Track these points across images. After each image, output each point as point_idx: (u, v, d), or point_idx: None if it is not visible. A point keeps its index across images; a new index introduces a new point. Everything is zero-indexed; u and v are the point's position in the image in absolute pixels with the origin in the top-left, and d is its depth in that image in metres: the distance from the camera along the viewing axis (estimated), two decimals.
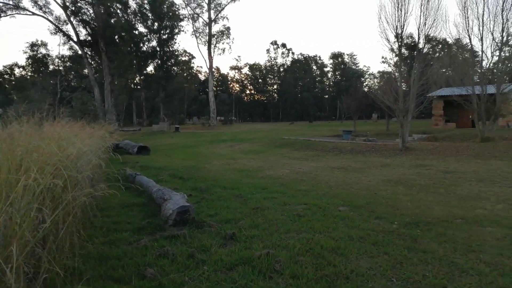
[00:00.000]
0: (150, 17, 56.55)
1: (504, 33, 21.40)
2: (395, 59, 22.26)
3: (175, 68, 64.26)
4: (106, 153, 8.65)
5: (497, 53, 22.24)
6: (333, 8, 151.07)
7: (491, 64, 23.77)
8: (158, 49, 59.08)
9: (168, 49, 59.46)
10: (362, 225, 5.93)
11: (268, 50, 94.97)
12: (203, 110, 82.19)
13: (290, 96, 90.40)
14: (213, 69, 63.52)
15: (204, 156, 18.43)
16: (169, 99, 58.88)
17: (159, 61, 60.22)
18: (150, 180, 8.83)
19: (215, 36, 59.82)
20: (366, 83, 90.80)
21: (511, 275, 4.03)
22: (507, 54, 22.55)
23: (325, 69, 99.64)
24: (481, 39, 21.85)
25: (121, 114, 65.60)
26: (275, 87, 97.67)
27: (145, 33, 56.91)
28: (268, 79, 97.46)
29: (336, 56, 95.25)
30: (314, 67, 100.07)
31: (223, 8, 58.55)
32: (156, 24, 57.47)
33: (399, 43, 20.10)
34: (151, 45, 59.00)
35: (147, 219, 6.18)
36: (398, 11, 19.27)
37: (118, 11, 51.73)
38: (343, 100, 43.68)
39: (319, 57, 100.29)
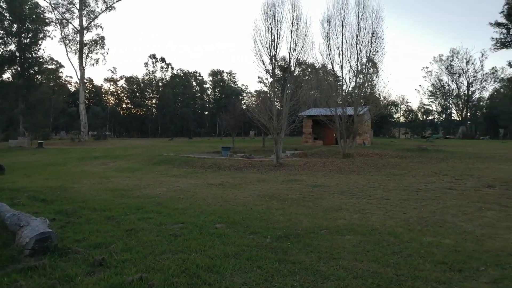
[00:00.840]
0: (8, 17, 50.15)
1: (358, 62, 24.58)
2: (270, 79, 23.71)
3: (39, 77, 57.89)
4: None
5: (354, 79, 25.39)
6: (213, 26, 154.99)
7: (350, 89, 26.96)
8: (17, 54, 52.56)
9: (30, 55, 53.31)
10: (237, 241, 6.07)
11: (146, 64, 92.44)
12: (73, 124, 75.69)
13: (170, 111, 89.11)
14: (85, 80, 59.23)
15: (73, 175, 16.89)
16: (31, 111, 52.53)
17: (19, 68, 53.59)
18: (3, 204, 7.71)
19: (88, 45, 56.06)
20: (244, 101, 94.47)
21: (363, 277, 4.58)
22: (361, 81, 25.85)
23: (205, 86, 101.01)
24: (341, 66, 24.73)
25: None
26: (153, 101, 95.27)
27: (0, 35, 50.12)
28: (146, 93, 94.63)
29: (215, 74, 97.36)
30: (194, 83, 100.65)
31: (96, 16, 55.38)
32: (15, 25, 51.20)
33: (273, 65, 21.49)
34: (8, 49, 52.16)
35: None
36: (271, 35, 20.66)
37: None
38: (222, 117, 44.74)
39: (199, 73, 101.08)
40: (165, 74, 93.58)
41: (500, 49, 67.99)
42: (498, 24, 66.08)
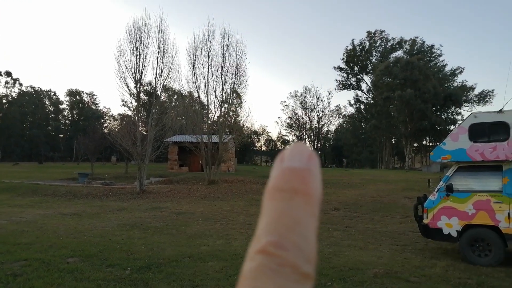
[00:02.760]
0: None
1: (224, 93, 25.59)
2: (135, 104, 22.92)
3: None
4: None
5: (219, 108, 26.27)
6: (73, 43, 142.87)
7: (215, 117, 27.75)
8: None
9: None
10: (93, 275, 5.56)
11: None
12: None
13: (16, 133, 78.35)
14: None
15: None
16: None
17: None
18: None
19: None
20: (106, 124, 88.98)
21: None
22: (226, 110, 26.91)
23: (61, 106, 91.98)
24: (207, 95, 25.42)
25: None
26: None
27: None
28: None
29: (74, 94, 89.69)
30: (48, 103, 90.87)
31: None
32: None
33: (138, 89, 20.89)
34: None
35: None
36: (137, 59, 20.15)
37: None
38: (80, 141, 41.19)
39: (54, 92, 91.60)
40: (11, 91, 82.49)
41: (342, 90, 79.43)
42: (340, 69, 77.20)
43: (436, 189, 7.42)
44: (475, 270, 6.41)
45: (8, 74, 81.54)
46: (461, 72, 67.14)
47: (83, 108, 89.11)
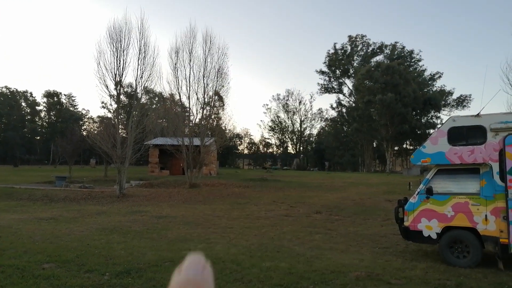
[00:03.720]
0: None
1: (205, 95, 25.46)
2: (114, 105, 22.53)
3: None
4: None
5: (201, 111, 26.11)
6: (50, 43, 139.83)
7: (197, 120, 27.57)
8: None
9: None
10: (69, 281, 5.40)
11: None
12: None
13: None
14: None
15: None
16: None
17: None
18: None
19: None
20: (85, 127, 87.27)
21: None
22: (208, 113, 26.76)
23: (38, 108, 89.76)
24: (189, 98, 25.23)
25: None
26: None
27: None
28: None
29: (51, 95, 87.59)
30: (24, 104, 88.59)
31: None
32: None
33: (118, 91, 20.56)
34: None
35: None
36: (117, 60, 19.82)
37: None
38: (57, 143, 40.29)
39: (31, 93, 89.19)
40: None
41: (324, 93, 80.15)
42: (322, 72, 77.93)
43: (417, 192, 7.51)
44: (454, 271, 6.50)
45: None
46: (439, 77, 68.74)
47: (61, 110, 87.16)
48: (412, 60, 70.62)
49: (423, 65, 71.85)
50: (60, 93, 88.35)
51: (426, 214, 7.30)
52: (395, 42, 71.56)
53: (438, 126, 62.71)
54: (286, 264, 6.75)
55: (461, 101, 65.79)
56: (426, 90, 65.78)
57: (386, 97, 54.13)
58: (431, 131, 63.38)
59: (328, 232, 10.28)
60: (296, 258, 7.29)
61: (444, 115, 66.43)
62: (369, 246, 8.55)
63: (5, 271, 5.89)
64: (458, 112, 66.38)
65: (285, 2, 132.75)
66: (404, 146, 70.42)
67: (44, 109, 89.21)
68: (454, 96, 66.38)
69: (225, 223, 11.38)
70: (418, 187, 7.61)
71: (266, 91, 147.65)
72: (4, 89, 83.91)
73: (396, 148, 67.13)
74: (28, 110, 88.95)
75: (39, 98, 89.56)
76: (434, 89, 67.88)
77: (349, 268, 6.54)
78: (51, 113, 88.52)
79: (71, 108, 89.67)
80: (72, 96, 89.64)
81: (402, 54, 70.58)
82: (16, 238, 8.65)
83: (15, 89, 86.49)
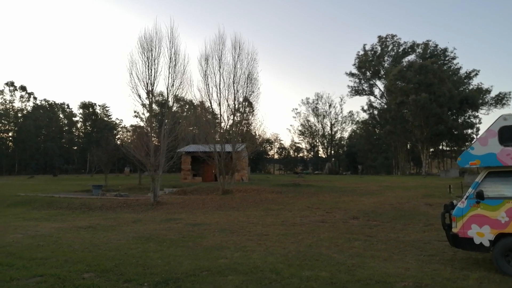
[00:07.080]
0: None
1: (236, 101, 25.44)
2: (147, 114, 22.87)
3: None
4: None
5: (232, 117, 26.09)
6: (85, 55, 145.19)
7: (228, 126, 27.57)
8: None
9: None
10: None
11: (2, 92, 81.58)
12: None
13: (30, 146, 79.27)
14: None
15: None
16: None
17: None
18: None
19: None
20: (119, 136, 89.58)
21: None
22: (239, 119, 26.71)
23: (74, 119, 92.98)
24: (219, 104, 25.27)
25: None
26: (10, 134, 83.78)
27: None
28: (0, 125, 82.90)
29: (86, 106, 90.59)
30: (62, 116, 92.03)
31: None
32: None
33: (150, 100, 20.82)
34: None
35: None
36: (148, 69, 20.10)
37: None
38: (93, 153, 41.42)
39: (68, 105, 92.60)
40: (26, 105, 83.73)
41: (355, 95, 78.78)
42: (352, 74, 76.68)
43: (465, 196, 7.02)
44: (511, 283, 6.00)
45: (23, 88, 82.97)
46: (476, 74, 66.09)
47: (96, 120, 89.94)
48: (446, 59, 68.26)
49: (458, 63, 69.14)
50: (95, 104, 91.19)
51: (476, 220, 6.81)
52: (427, 41, 69.43)
53: (477, 126, 60.36)
54: (326, 273, 6.45)
55: (500, 99, 62.97)
56: (462, 89, 63.38)
57: (420, 97, 52.49)
58: (469, 131, 61.00)
59: (368, 238, 9.86)
60: (337, 266, 6.97)
61: (483, 114, 63.83)
62: (413, 254, 8.09)
63: (47, 280, 5.93)
64: (498, 110, 63.61)
65: (313, 4, 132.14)
66: (440, 147, 68.02)
67: (80, 120, 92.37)
68: (493, 94, 63.66)
69: (260, 230, 11.17)
70: (462, 190, 7.12)
71: (295, 95, 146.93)
72: (43, 102, 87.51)
73: (431, 149, 64.92)
74: (66, 121, 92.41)
75: (75, 109, 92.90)
76: (471, 87, 65.34)
77: (395, 278, 6.16)
78: (87, 124, 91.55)
79: (105, 118, 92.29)
80: (106, 107, 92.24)
81: (435, 52, 68.35)
82: (56, 247, 8.77)
83: (53, 102, 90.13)
